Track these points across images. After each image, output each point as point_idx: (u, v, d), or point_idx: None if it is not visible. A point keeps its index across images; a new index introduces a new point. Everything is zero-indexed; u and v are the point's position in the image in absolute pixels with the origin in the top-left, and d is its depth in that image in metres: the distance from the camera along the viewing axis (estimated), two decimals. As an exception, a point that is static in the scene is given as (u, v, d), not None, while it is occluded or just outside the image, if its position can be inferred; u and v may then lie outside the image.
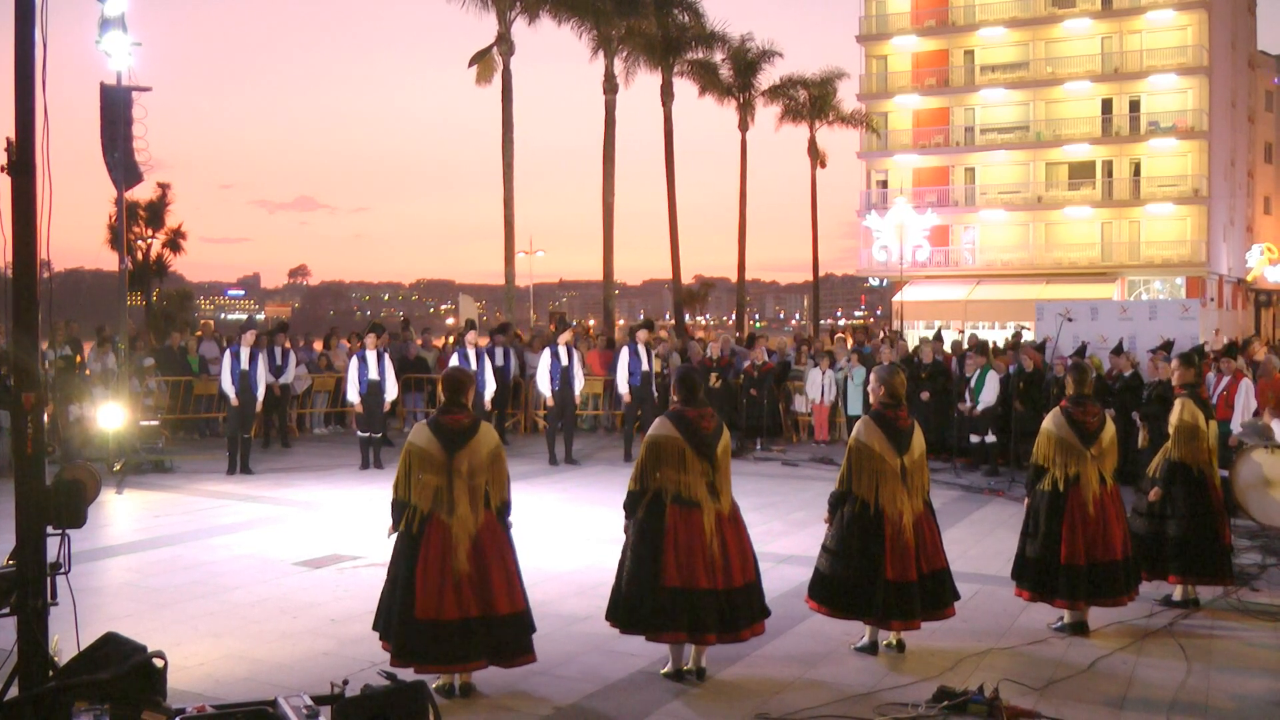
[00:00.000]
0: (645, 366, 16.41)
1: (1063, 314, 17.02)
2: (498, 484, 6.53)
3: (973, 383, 16.20)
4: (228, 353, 15.42)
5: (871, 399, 7.54)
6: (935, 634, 7.52)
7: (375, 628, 6.53)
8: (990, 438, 16.03)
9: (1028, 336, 24.61)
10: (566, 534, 11.13)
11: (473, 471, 6.41)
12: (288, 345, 18.39)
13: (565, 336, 16.42)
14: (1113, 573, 7.83)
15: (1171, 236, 49.30)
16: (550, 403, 16.15)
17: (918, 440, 7.34)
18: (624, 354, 16.78)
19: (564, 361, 16.04)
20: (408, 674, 5.84)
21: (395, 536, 6.50)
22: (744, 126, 45.30)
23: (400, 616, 6.27)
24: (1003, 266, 50.78)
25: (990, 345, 20.03)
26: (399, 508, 6.45)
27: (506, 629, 6.35)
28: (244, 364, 15.08)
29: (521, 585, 6.53)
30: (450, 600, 6.22)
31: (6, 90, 5.29)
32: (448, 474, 6.37)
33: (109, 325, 19.24)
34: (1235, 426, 12.63)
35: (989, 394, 16.01)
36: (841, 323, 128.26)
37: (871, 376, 7.64)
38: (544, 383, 16.15)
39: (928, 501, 7.37)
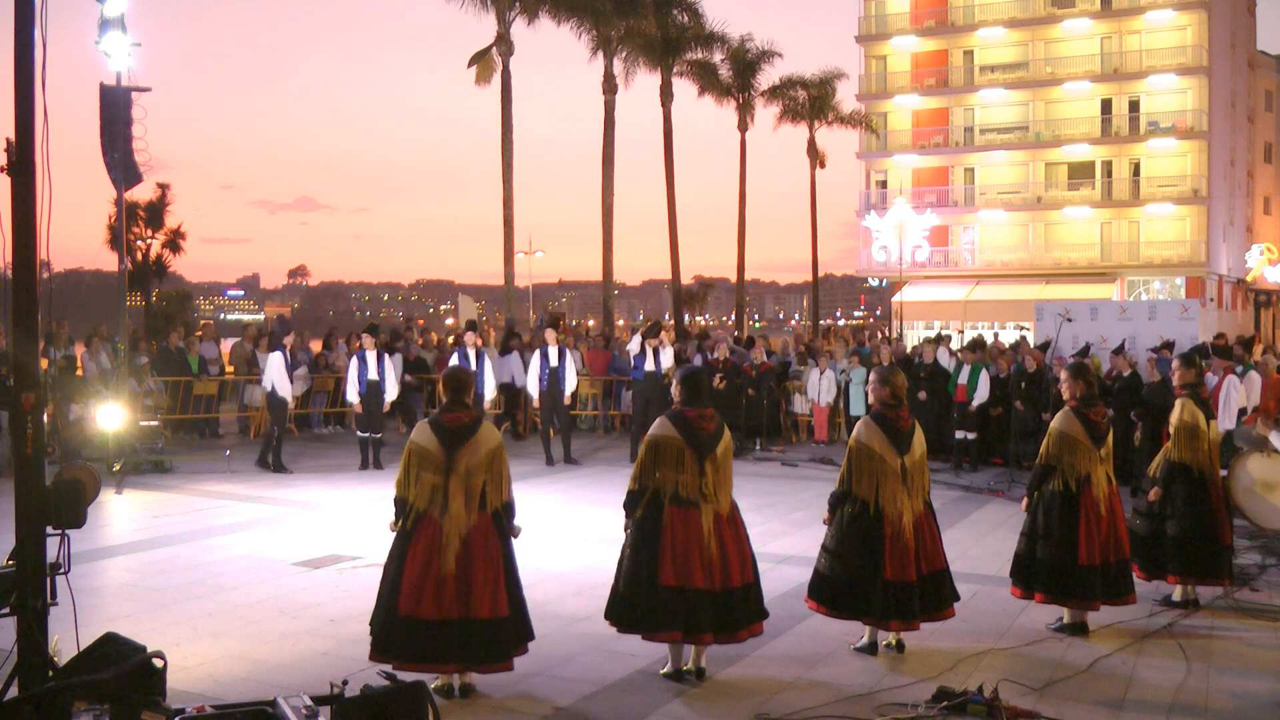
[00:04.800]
0: (652, 367, 16.39)
1: (1062, 314, 17.03)
2: (497, 484, 6.50)
3: (963, 379, 16.35)
4: (277, 353, 15.20)
5: (872, 399, 7.52)
6: (935, 634, 7.51)
7: (370, 622, 6.54)
8: (971, 434, 16.17)
9: (1026, 336, 24.61)
10: (566, 534, 11.12)
11: (470, 471, 6.41)
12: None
13: (549, 336, 16.37)
14: (1124, 572, 7.87)
15: (1171, 237, 49.31)
16: (536, 403, 16.13)
17: (918, 441, 7.33)
18: (636, 350, 16.80)
19: (553, 362, 16.01)
20: (409, 674, 5.83)
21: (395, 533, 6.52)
22: (743, 127, 45.32)
23: (384, 611, 6.32)
24: (1002, 267, 50.79)
25: (992, 343, 20.05)
26: (400, 505, 6.47)
27: (484, 634, 6.27)
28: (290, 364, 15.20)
29: (509, 591, 6.41)
30: (430, 600, 6.21)
31: (6, 91, 5.29)
32: (445, 472, 6.38)
33: (103, 325, 19.24)
34: (1221, 426, 12.60)
35: (982, 391, 16.12)
36: (841, 323, 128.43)
37: (872, 376, 7.62)
38: (532, 384, 16.15)
39: (928, 502, 7.36)
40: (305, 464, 16.19)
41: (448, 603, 6.22)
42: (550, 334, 16.46)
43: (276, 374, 15.06)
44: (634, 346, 16.52)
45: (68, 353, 17.43)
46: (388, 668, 5.96)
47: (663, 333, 17.31)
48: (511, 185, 34.55)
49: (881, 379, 7.42)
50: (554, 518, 12.03)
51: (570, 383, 16.34)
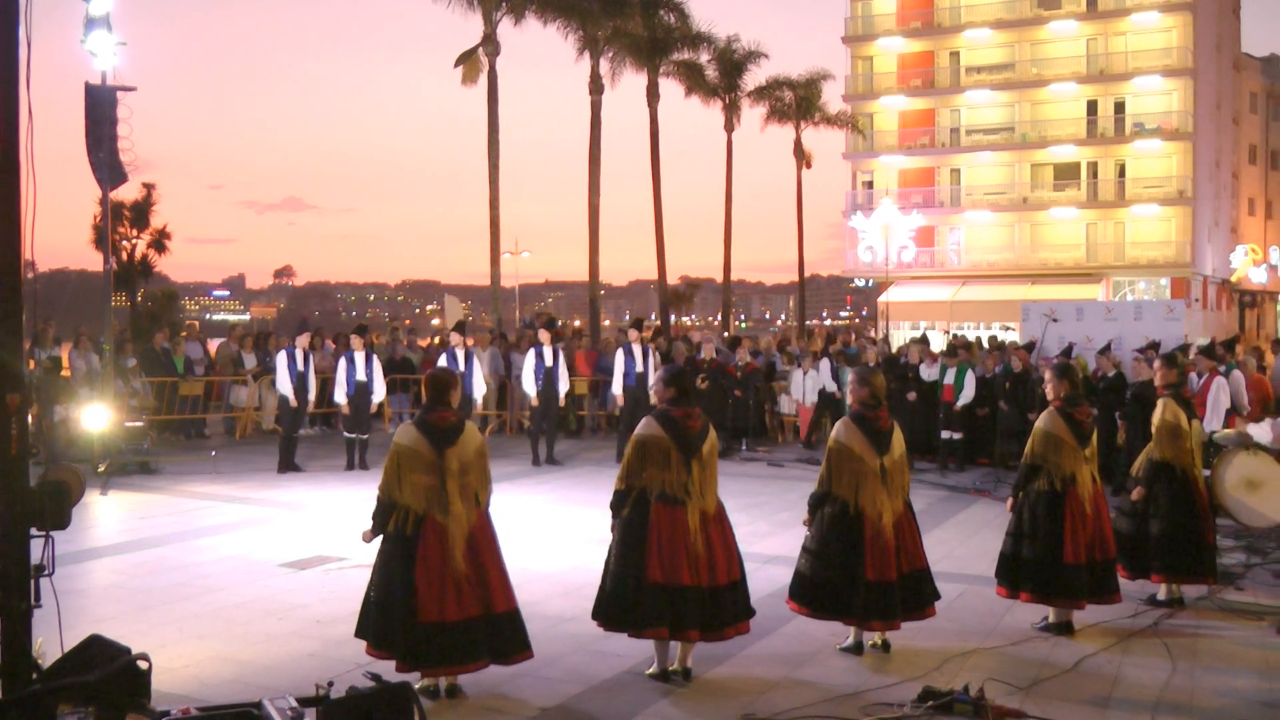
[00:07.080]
0: (640, 367, 16.37)
1: (1048, 315, 17.08)
2: (484, 481, 6.58)
3: (949, 379, 16.40)
4: (283, 354, 15.42)
5: (851, 399, 7.54)
6: (920, 634, 7.53)
7: (360, 635, 6.45)
8: (957, 434, 16.20)
9: (1011, 337, 24.67)
10: (552, 534, 11.11)
11: (464, 469, 6.43)
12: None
13: (544, 336, 16.40)
14: (1109, 571, 7.90)
15: (1156, 237, 49.53)
16: (535, 403, 16.15)
17: (898, 441, 7.34)
18: (619, 355, 16.72)
19: (548, 362, 16.03)
20: (392, 675, 5.82)
21: (383, 540, 6.43)
22: (730, 127, 45.37)
23: (403, 622, 6.20)
24: (988, 267, 50.97)
25: (974, 342, 20.10)
26: (387, 510, 6.39)
27: (506, 627, 6.38)
28: (300, 365, 15.24)
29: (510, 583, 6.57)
30: (451, 601, 6.21)
31: (-11, 90, 5.26)
32: (439, 473, 6.36)
33: (84, 326, 19.19)
34: (1208, 426, 12.65)
35: (968, 392, 16.15)
36: (828, 323, 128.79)
37: (851, 377, 7.64)
38: (528, 383, 16.14)
39: (908, 502, 7.38)
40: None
41: (468, 602, 6.25)
42: (545, 334, 16.50)
43: (278, 373, 15.23)
44: (617, 387, 16.57)
45: (53, 353, 17.35)
46: (414, 674, 5.98)
47: (645, 329, 17.31)
48: (498, 185, 34.51)
49: (861, 379, 7.44)
50: (541, 518, 12.02)
51: (564, 383, 16.40)
